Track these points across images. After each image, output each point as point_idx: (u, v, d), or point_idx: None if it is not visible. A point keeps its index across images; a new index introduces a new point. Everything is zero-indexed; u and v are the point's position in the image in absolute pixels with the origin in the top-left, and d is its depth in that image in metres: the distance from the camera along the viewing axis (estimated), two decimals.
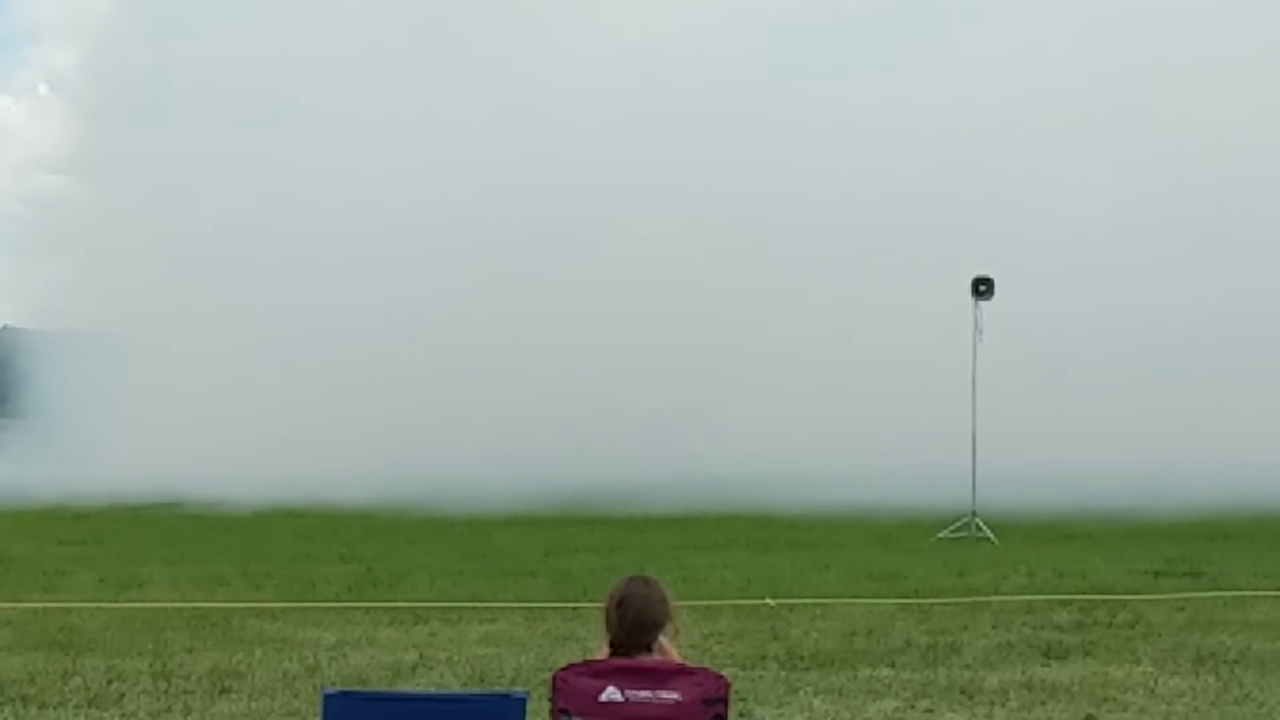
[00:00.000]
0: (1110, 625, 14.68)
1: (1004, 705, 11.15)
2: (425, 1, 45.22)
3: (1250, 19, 40.50)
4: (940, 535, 23.44)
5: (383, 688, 11.32)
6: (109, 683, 11.88)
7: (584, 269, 39.67)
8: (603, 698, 6.18)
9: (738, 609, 15.75)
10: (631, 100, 41.79)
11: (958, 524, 23.85)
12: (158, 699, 11.35)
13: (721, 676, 6.31)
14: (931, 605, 16.02)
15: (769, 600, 16.32)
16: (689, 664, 6.52)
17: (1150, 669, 12.45)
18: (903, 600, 16.40)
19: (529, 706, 6.36)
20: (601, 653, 6.61)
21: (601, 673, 6.26)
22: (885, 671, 12.34)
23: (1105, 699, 11.34)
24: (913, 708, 11.09)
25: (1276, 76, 39.38)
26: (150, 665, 12.54)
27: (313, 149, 43.24)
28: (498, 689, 10.63)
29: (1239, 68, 40.01)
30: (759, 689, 11.59)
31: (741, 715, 9.77)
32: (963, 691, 11.55)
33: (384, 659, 12.94)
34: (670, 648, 6.68)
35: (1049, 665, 12.64)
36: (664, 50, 43.12)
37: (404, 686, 11.68)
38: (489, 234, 40.67)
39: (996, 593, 17.15)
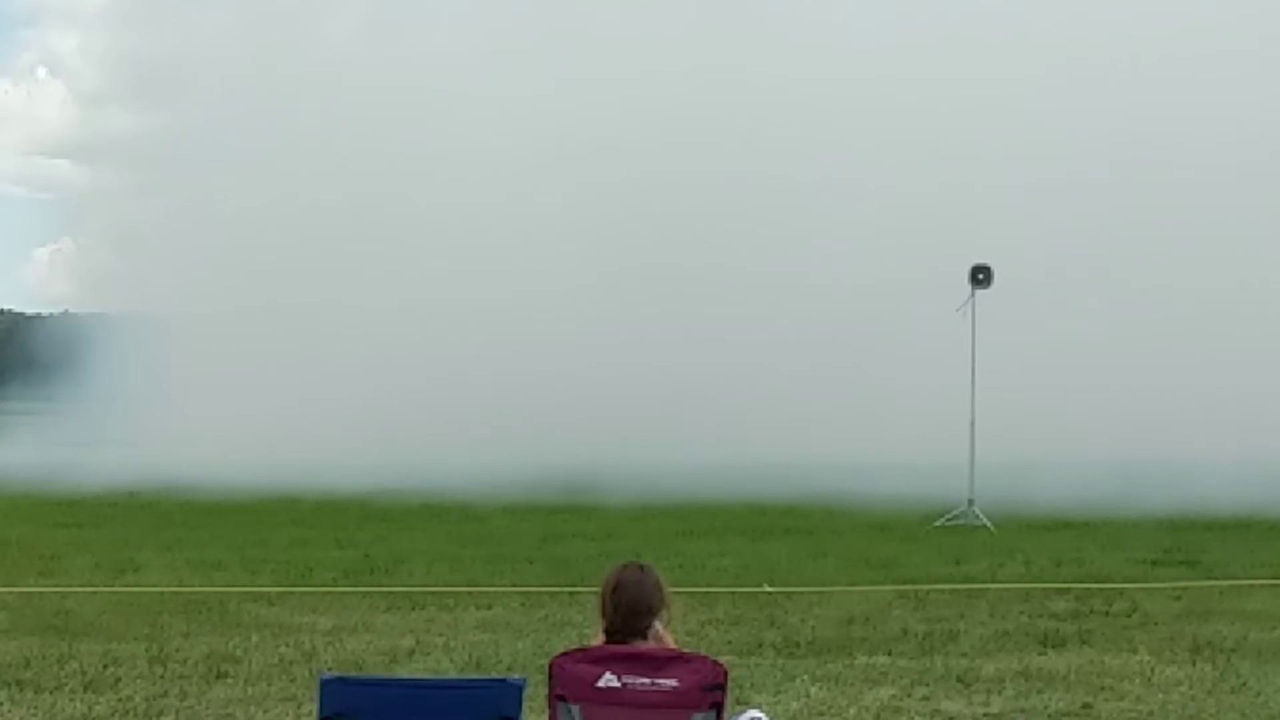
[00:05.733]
0: (1107, 614, 14.69)
1: (1000, 693, 11.15)
2: None
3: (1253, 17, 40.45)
4: (937, 523, 23.44)
5: (379, 673, 11.32)
6: (105, 667, 11.87)
7: (580, 261, 39.64)
8: (600, 684, 6.18)
9: (735, 596, 15.75)
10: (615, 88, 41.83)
11: (955, 512, 23.86)
12: (154, 683, 11.33)
13: (718, 663, 6.32)
14: (929, 593, 16.02)
15: (766, 587, 16.32)
16: (685, 651, 6.52)
17: (1147, 658, 12.45)
18: (900, 588, 16.41)
19: (526, 692, 6.35)
20: (597, 639, 6.61)
21: (599, 659, 6.26)
22: (882, 659, 12.34)
23: (1102, 688, 11.34)
24: (909, 695, 11.09)
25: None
26: (146, 650, 12.53)
27: (314, 136, 43.24)
28: (494, 675, 10.63)
29: (1238, 65, 39.98)
30: (756, 676, 11.59)
31: (739, 703, 9.76)
32: (959, 679, 11.55)
33: (380, 644, 12.93)
34: (665, 634, 6.69)
35: (1046, 653, 12.64)
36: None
37: (400, 672, 11.68)
38: (478, 222, 40.67)
39: (993, 581, 17.15)
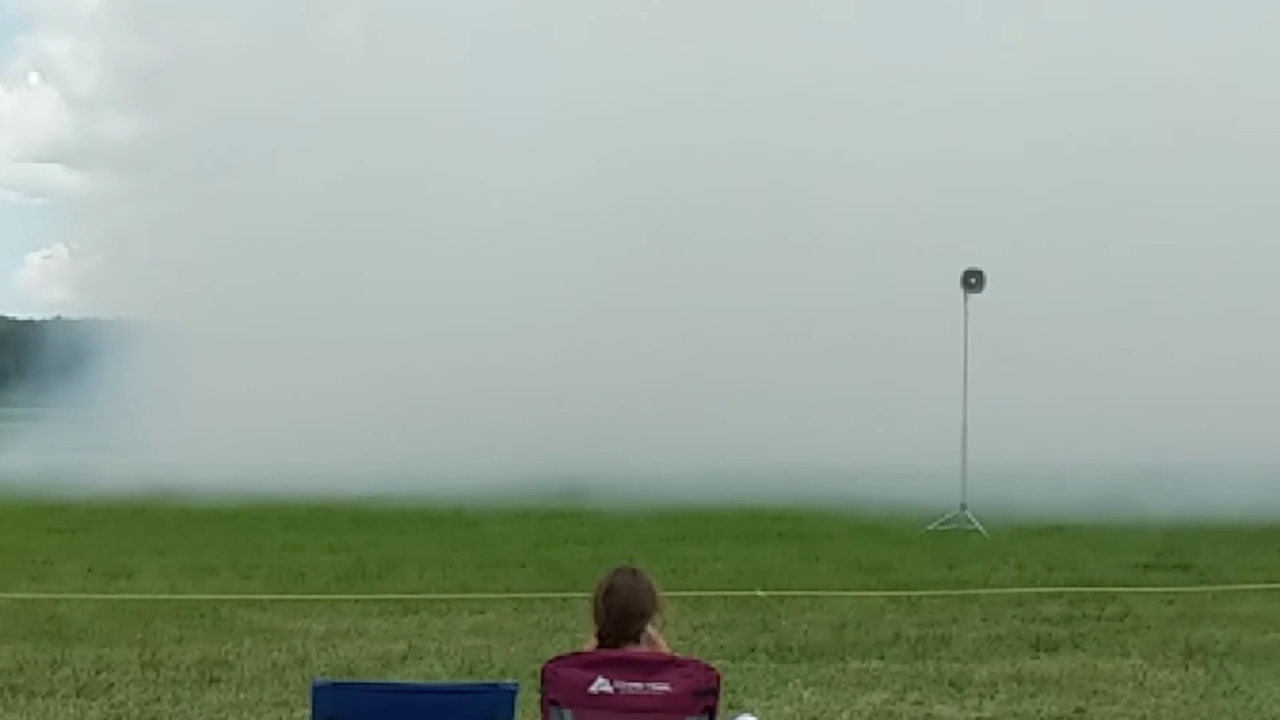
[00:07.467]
0: (1099, 618, 14.70)
1: (993, 698, 11.16)
2: None
3: (1244, 24, 40.51)
4: (930, 527, 23.44)
5: (372, 678, 11.31)
6: (98, 673, 11.86)
7: (572, 268, 39.60)
8: (593, 689, 6.18)
9: (727, 600, 15.75)
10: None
11: (947, 516, 23.86)
12: (147, 689, 11.33)
13: (711, 668, 6.32)
14: (921, 597, 16.03)
15: (759, 592, 16.32)
16: (678, 655, 6.52)
17: (1139, 662, 12.47)
18: (892, 592, 16.41)
19: (518, 697, 6.35)
20: (590, 644, 6.61)
21: (591, 664, 6.26)
22: (875, 663, 12.34)
23: (1094, 692, 11.35)
24: (902, 700, 11.09)
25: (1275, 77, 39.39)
26: (139, 655, 12.52)
27: (309, 140, 43.24)
28: (487, 680, 10.63)
29: (1237, 67, 40.05)
30: (748, 681, 11.59)
31: (731, 708, 9.77)
32: (952, 684, 11.56)
33: (373, 650, 12.93)
34: (659, 638, 6.68)
35: (1038, 658, 12.65)
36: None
37: (393, 677, 11.67)
38: (473, 229, 40.65)
39: (986, 585, 17.16)
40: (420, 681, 11.08)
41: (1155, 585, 17.12)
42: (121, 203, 50.95)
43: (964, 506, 23.98)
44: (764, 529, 23.64)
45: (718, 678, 6.29)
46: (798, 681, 11.63)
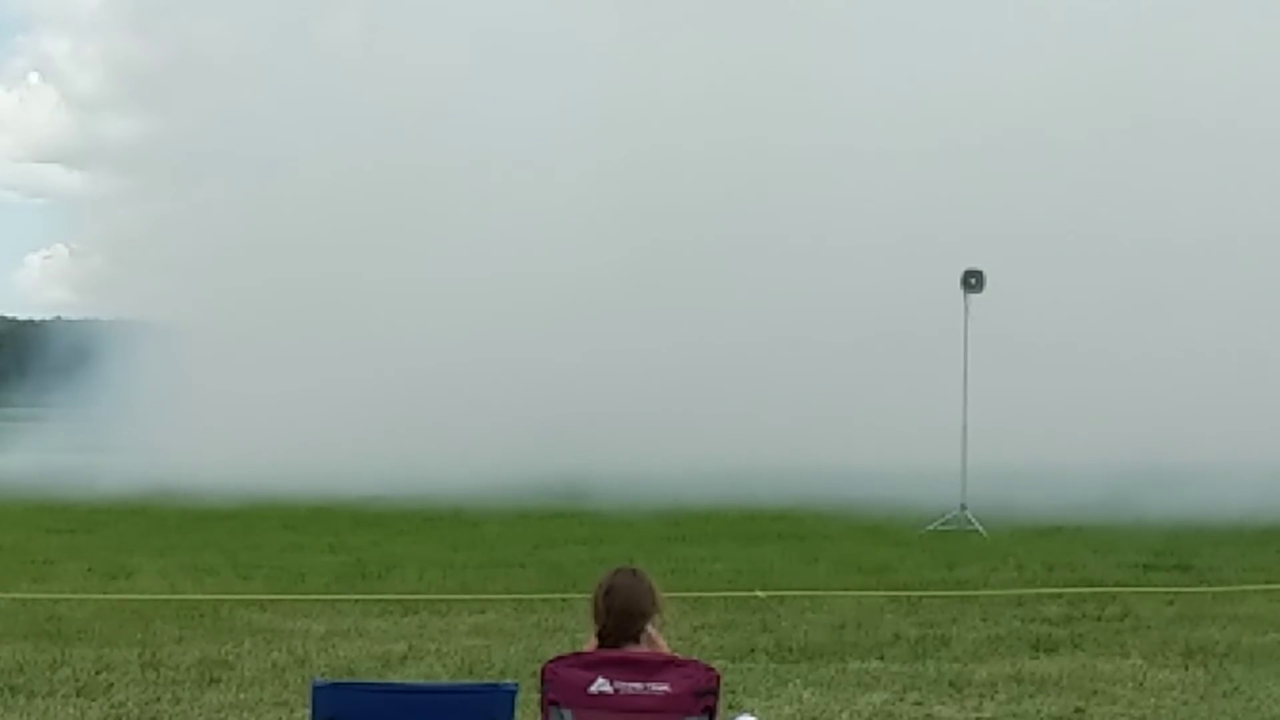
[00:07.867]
0: (1099, 618, 14.70)
1: (993, 698, 11.16)
2: None
3: (1244, 23, 40.53)
4: (930, 528, 23.44)
5: (372, 679, 11.31)
6: (98, 673, 11.86)
7: (572, 270, 39.59)
8: (593, 689, 6.18)
9: (727, 601, 15.75)
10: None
11: (947, 517, 23.86)
12: (146, 689, 11.33)
13: (711, 668, 6.32)
14: (921, 598, 16.03)
15: (758, 592, 16.32)
16: (678, 655, 6.53)
17: (1139, 662, 12.47)
18: (892, 593, 16.41)
19: (518, 698, 6.35)
20: (590, 645, 6.61)
21: (591, 664, 6.26)
22: (874, 664, 12.34)
23: (1094, 692, 11.35)
24: (902, 700, 11.10)
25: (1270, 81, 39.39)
26: (139, 655, 12.52)
27: (309, 141, 43.24)
28: (487, 680, 10.63)
29: (1232, 68, 40.04)
30: (748, 681, 11.59)
31: (731, 708, 9.76)
32: (952, 684, 11.56)
33: (373, 650, 12.93)
34: (659, 639, 6.68)
35: (1038, 658, 12.65)
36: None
37: (393, 677, 11.67)
38: (471, 231, 40.65)
39: (986, 586, 17.16)
40: (420, 681, 11.09)
41: (1155, 585, 17.12)
42: (121, 203, 51.05)
43: (964, 507, 23.97)
44: (764, 529, 23.63)
45: (718, 678, 6.29)
46: (798, 682, 11.63)
